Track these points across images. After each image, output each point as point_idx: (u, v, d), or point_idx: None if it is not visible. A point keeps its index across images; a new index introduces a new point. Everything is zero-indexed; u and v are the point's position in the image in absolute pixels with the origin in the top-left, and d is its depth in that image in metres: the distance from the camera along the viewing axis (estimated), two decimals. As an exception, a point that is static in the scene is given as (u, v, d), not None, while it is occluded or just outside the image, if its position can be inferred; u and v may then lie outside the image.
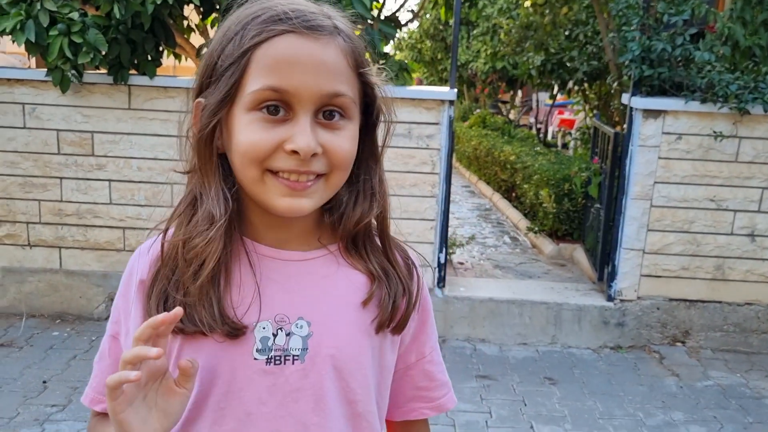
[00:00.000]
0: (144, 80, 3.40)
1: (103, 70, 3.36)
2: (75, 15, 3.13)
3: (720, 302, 3.55)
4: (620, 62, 3.81)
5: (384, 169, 0.64)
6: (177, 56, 3.92)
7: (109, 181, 3.58)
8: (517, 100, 9.95)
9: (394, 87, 0.81)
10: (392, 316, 0.61)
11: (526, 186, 5.31)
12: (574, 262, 4.57)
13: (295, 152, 0.50)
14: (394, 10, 3.93)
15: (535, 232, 5.01)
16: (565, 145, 6.55)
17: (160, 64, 3.56)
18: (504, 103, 9.89)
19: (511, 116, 9.47)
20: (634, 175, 3.40)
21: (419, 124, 3.20)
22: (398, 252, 0.66)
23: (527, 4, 5.12)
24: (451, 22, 3.77)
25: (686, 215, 3.45)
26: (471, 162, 7.48)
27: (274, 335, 0.57)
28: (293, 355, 0.58)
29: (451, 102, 3.30)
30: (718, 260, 3.49)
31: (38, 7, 3.11)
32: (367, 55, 0.60)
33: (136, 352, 0.47)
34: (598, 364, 3.38)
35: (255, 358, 0.56)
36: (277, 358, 0.57)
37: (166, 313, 0.49)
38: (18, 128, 3.51)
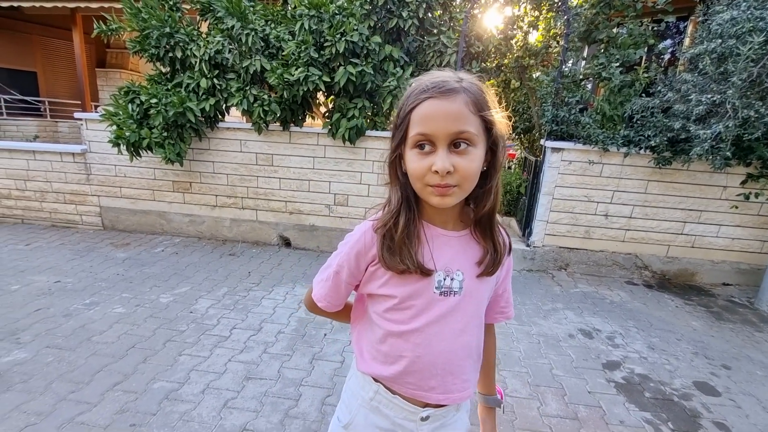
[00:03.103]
0: (296, 129, 4.42)
1: (278, 123, 4.39)
2: (265, 96, 4.16)
3: (586, 249, 4.36)
4: (541, 122, 4.50)
5: (501, 176, 0.74)
6: (312, 117, 4.73)
7: (279, 178, 4.63)
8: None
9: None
10: (492, 270, 0.80)
11: (489, 187, 6.70)
12: (511, 226, 5.49)
13: (436, 172, 0.64)
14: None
15: (492, 211, 6.26)
16: (509, 167, 8.52)
17: (305, 119, 4.53)
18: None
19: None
20: (545, 182, 4.22)
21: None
22: (501, 230, 0.83)
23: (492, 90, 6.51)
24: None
25: (571, 204, 4.26)
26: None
27: (444, 279, 0.76)
28: (453, 291, 0.76)
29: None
30: (586, 228, 4.30)
31: (248, 92, 4.18)
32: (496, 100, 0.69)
33: None
34: (520, 278, 4.14)
35: (434, 291, 0.75)
36: (446, 292, 0.76)
37: None
38: (237, 152, 4.59)
